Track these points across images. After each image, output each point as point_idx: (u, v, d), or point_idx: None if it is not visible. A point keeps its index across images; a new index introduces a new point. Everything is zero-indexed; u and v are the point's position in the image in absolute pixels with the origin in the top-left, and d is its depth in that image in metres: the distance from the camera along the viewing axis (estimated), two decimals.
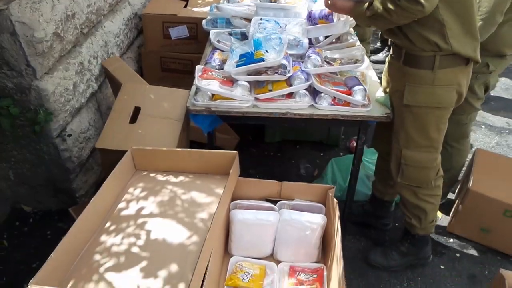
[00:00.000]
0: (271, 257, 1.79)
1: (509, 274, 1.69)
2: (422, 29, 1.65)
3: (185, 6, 3.20)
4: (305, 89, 1.92)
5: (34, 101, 2.01)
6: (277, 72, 1.90)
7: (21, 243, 2.28)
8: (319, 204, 1.78)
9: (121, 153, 1.73)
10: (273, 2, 2.47)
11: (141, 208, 1.57)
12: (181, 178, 1.72)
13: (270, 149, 3.07)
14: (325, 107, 1.90)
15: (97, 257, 1.38)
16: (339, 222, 1.59)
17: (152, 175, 1.76)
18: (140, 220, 1.51)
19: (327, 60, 2.01)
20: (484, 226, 2.29)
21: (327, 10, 2.11)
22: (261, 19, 2.30)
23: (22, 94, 2.00)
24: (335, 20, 2.11)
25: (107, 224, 1.51)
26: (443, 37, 1.64)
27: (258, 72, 1.94)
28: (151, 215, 1.53)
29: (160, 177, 1.73)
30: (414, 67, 1.75)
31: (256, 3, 2.44)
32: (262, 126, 3.09)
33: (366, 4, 1.69)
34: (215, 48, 2.32)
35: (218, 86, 1.89)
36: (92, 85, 2.43)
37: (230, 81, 1.95)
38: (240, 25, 2.49)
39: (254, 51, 1.91)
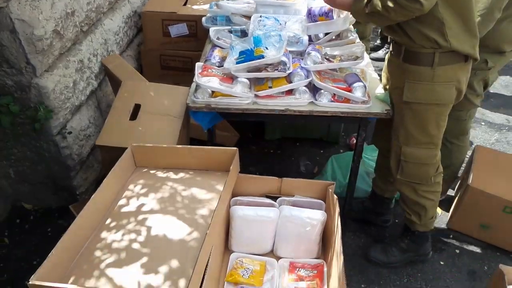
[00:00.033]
0: (271, 253, 1.79)
1: (508, 269, 1.70)
2: (421, 26, 1.65)
3: (185, 4, 3.19)
4: (305, 86, 1.92)
5: (34, 98, 2.01)
6: (277, 69, 1.90)
7: (22, 241, 2.29)
8: (319, 201, 1.79)
9: (121, 150, 1.74)
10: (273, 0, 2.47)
11: (142, 205, 1.57)
12: (181, 174, 1.73)
13: (270, 147, 3.07)
14: (325, 104, 1.90)
15: (98, 253, 1.38)
16: (339, 218, 1.59)
17: (152, 172, 1.76)
18: (140, 217, 1.51)
19: (327, 57, 2.02)
20: (483, 223, 2.29)
21: (327, 7, 2.12)
22: (260, 16, 2.30)
23: (22, 92, 2.00)
24: (335, 17, 2.11)
25: (108, 221, 1.51)
26: (442, 35, 1.64)
27: (258, 69, 1.94)
28: (151, 211, 1.54)
29: (160, 174, 1.74)
30: (413, 64, 1.75)
31: (256, 0, 2.43)
32: (262, 123, 3.10)
33: (365, 0, 1.69)
34: (215, 46, 2.32)
35: (218, 83, 1.89)
36: (92, 83, 2.44)
37: (230, 78, 1.95)
38: (240, 22, 2.49)
39: (254, 48, 1.91)
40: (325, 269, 1.68)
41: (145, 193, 1.63)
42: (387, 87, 1.98)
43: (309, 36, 2.22)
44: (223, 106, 1.90)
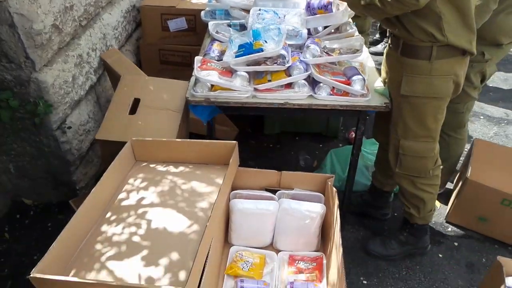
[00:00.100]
0: (271, 246, 1.80)
1: (506, 261, 1.71)
2: (419, 20, 1.66)
3: None
4: (304, 79, 1.92)
5: (34, 93, 2.01)
6: (276, 63, 1.90)
7: (22, 236, 2.30)
8: (318, 193, 1.79)
9: (121, 144, 1.74)
10: None
11: (142, 198, 1.58)
12: (181, 168, 1.73)
13: (269, 141, 3.08)
14: (324, 97, 1.91)
15: (98, 246, 1.39)
16: (338, 211, 1.60)
17: (152, 165, 1.76)
18: (140, 210, 1.52)
19: (326, 50, 2.02)
20: (482, 215, 2.31)
21: (326, 0, 2.11)
22: (259, 9, 2.30)
23: (21, 87, 2.00)
24: (334, 10, 2.11)
25: (108, 214, 1.52)
26: (439, 29, 1.64)
27: (257, 63, 1.94)
28: (151, 205, 1.54)
29: (160, 168, 1.74)
30: (411, 57, 1.76)
31: None
32: (261, 118, 3.10)
33: None
34: (214, 39, 2.31)
35: (217, 76, 1.89)
36: (91, 78, 2.44)
37: (229, 71, 1.95)
38: (239, 16, 2.49)
39: (253, 41, 1.91)
40: (324, 261, 1.69)
41: (145, 187, 1.63)
42: (386, 80, 1.99)
43: (308, 30, 2.22)
44: (223, 100, 1.90)
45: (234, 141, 1.71)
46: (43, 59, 1.97)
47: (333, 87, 1.90)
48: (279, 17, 2.25)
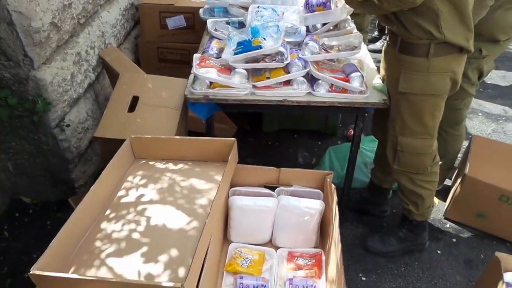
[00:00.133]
0: (270, 243, 1.81)
1: (504, 256, 1.72)
2: (417, 17, 1.66)
3: None
4: (303, 77, 1.92)
5: (32, 91, 2.01)
6: (274, 60, 1.91)
7: (21, 234, 2.30)
8: (317, 190, 1.80)
9: (120, 142, 1.74)
10: None
11: (141, 196, 1.58)
12: (180, 165, 1.73)
13: (268, 138, 3.08)
14: (322, 94, 1.91)
15: (98, 243, 1.39)
16: (337, 207, 1.60)
17: (151, 163, 1.77)
18: (140, 207, 1.52)
19: (325, 47, 2.02)
20: (480, 212, 2.31)
21: None
22: (258, 7, 2.30)
23: (20, 85, 2.00)
24: (332, 7, 2.11)
25: (107, 212, 1.52)
26: (436, 26, 1.65)
27: (255, 60, 1.94)
28: (150, 202, 1.54)
29: (159, 165, 1.74)
30: (409, 54, 1.76)
31: None
32: (260, 115, 3.10)
33: None
34: (212, 37, 2.31)
35: (216, 74, 1.89)
36: (89, 76, 2.43)
37: (228, 69, 1.95)
38: (238, 13, 2.49)
39: (252, 38, 1.91)
40: (323, 258, 1.69)
41: (144, 184, 1.64)
42: (384, 77, 1.99)
43: (307, 27, 2.23)
44: (221, 97, 1.90)
45: (233, 138, 1.71)
46: (41, 57, 1.97)
47: (332, 84, 1.90)
48: (278, 15, 2.25)
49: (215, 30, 2.36)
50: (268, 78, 1.91)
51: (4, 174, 2.36)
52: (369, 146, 2.67)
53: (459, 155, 2.55)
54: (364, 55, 2.21)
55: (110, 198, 1.59)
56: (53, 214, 2.40)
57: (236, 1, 2.54)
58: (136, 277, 1.25)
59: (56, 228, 1.32)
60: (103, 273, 1.28)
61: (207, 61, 1.95)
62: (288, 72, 1.91)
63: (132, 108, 2.04)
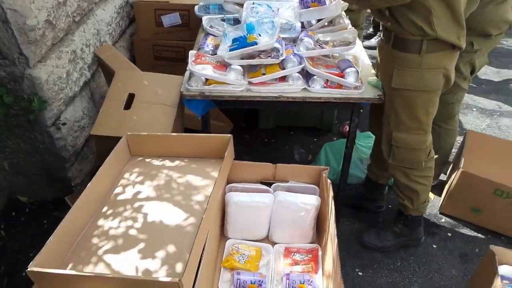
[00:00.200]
0: (267, 239, 1.81)
1: (499, 249, 1.74)
2: (410, 13, 1.67)
3: None
4: (298, 72, 1.93)
5: (28, 89, 2.01)
6: (270, 56, 1.91)
7: (18, 233, 2.30)
8: (313, 186, 1.81)
9: (116, 139, 1.74)
10: None
11: (138, 192, 1.58)
12: (176, 162, 1.74)
13: (264, 135, 3.09)
14: (318, 90, 1.92)
15: (95, 240, 1.39)
16: (332, 202, 1.61)
17: (147, 160, 1.77)
18: (136, 204, 1.52)
19: (320, 43, 2.03)
20: (475, 206, 2.33)
21: None
22: (253, 3, 2.30)
23: (15, 83, 1.99)
24: (327, 3, 2.12)
25: (104, 209, 1.52)
26: (429, 23, 1.66)
27: (251, 56, 1.95)
28: (147, 198, 1.55)
29: (155, 162, 1.75)
30: (402, 50, 1.77)
31: None
32: (256, 112, 3.11)
33: None
34: (208, 34, 2.32)
35: (212, 70, 1.90)
36: (85, 74, 2.43)
37: (224, 65, 1.95)
38: (233, 10, 2.49)
39: (247, 35, 1.92)
40: (320, 253, 1.70)
41: (140, 181, 1.64)
42: (379, 73, 2.00)
43: (302, 23, 2.23)
44: (217, 94, 1.91)
45: (229, 135, 1.71)
46: (36, 55, 1.97)
47: (327, 80, 1.91)
48: (273, 11, 2.26)
49: (211, 27, 2.36)
50: (263, 74, 1.92)
51: (0, 173, 2.35)
52: (364, 142, 2.69)
53: (453, 150, 2.57)
54: (359, 51, 2.22)
55: (107, 195, 1.59)
56: (50, 213, 2.40)
57: None
58: (134, 272, 1.26)
59: (53, 226, 1.32)
60: (101, 269, 1.28)
61: (202, 58, 1.95)
62: (284, 68, 1.92)
63: (128, 105, 2.03)
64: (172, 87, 2.08)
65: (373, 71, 2.07)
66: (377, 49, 2.02)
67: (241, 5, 2.40)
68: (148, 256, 1.31)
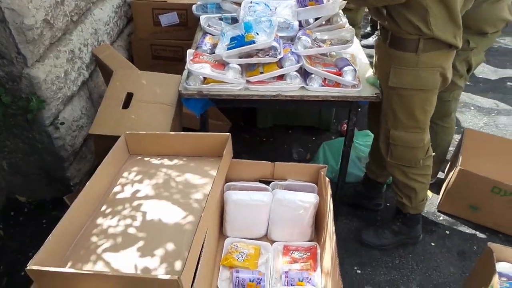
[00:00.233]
0: (265, 237, 1.82)
1: (497, 247, 1.75)
2: (407, 12, 1.68)
3: None
4: (296, 71, 1.94)
5: (26, 89, 2.01)
6: (268, 55, 1.91)
7: (17, 233, 2.29)
8: (311, 184, 1.81)
9: (115, 138, 1.74)
10: None
11: (136, 191, 1.58)
12: (175, 161, 1.74)
13: (262, 134, 3.09)
14: (315, 89, 1.92)
15: (94, 239, 1.40)
16: (331, 200, 1.62)
17: (146, 159, 1.77)
18: (135, 203, 1.53)
19: (317, 41, 2.03)
20: (473, 204, 2.34)
21: None
22: (251, 2, 2.30)
23: (13, 83, 1.99)
24: (324, 1, 2.12)
25: (103, 208, 1.53)
26: (425, 22, 1.67)
27: (249, 55, 1.95)
28: (146, 197, 1.55)
29: (154, 161, 1.75)
30: (399, 49, 1.78)
31: None
32: (254, 111, 3.11)
33: None
34: (205, 33, 2.32)
35: (210, 69, 1.90)
36: (83, 73, 2.43)
37: (222, 64, 1.96)
38: (231, 9, 2.50)
39: (245, 33, 1.92)
40: (318, 251, 1.71)
41: (139, 180, 1.64)
42: (376, 71, 2.01)
43: (299, 21, 2.23)
44: (215, 92, 1.91)
45: (228, 133, 1.72)
46: (34, 55, 1.97)
47: (325, 78, 1.92)
48: (270, 9, 2.26)
49: (209, 26, 2.36)
50: (261, 73, 1.92)
51: None
52: (362, 141, 2.69)
53: (451, 148, 2.58)
54: (356, 49, 2.23)
55: (105, 194, 1.60)
56: (49, 212, 2.40)
57: None
58: (133, 270, 1.26)
59: (51, 226, 1.32)
60: (100, 267, 1.29)
61: (200, 57, 1.96)
62: (281, 67, 1.92)
63: (126, 104, 2.03)
64: (170, 86, 2.08)
65: (370, 69, 2.07)
66: (374, 47, 2.02)
67: (239, 4, 2.40)
68: (147, 254, 1.32)
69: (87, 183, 1.51)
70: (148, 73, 2.21)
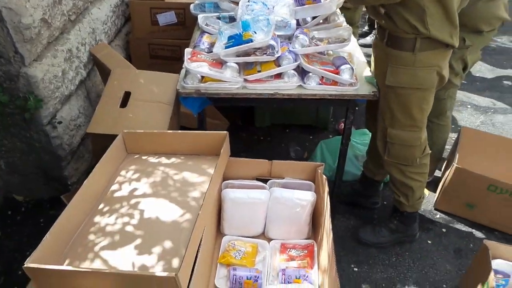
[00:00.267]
0: (263, 235, 1.83)
1: (492, 244, 1.76)
2: (404, 11, 1.69)
3: None
4: (294, 69, 1.94)
5: (23, 88, 2.01)
6: (265, 53, 1.92)
7: (14, 232, 2.29)
8: (308, 182, 1.82)
9: (112, 137, 1.75)
10: None
11: (134, 189, 1.59)
12: (172, 159, 1.75)
13: (260, 133, 3.10)
14: (313, 87, 1.92)
15: (92, 237, 1.40)
16: (328, 198, 1.63)
17: (144, 157, 1.78)
18: (133, 201, 1.53)
19: (315, 40, 2.04)
20: (469, 202, 2.35)
21: None
22: (248, 1, 2.30)
23: (11, 82, 1.99)
24: (322, 0, 2.13)
25: (101, 206, 1.53)
26: (422, 22, 1.67)
27: (247, 54, 1.95)
28: (144, 195, 1.55)
29: (151, 159, 1.76)
30: (396, 48, 1.79)
31: None
32: (252, 110, 3.12)
33: None
34: (203, 32, 2.32)
35: (208, 68, 1.90)
36: (81, 72, 2.43)
37: (219, 63, 1.96)
38: (228, 8, 2.50)
39: (243, 32, 1.92)
40: (315, 249, 1.72)
41: (137, 178, 1.65)
42: (373, 70, 2.02)
43: (297, 20, 2.24)
44: (213, 91, 1.91)
45: (225, 131, 1.72)
46: (32, 54, 1.97)
47: (322, 77, 1.92)
48: (268, 8, 2.26)
49: (206, 25, 2.37)
50: (259, 71, 1.92)
51: None
52: (360, 139, 2.70)
53: (447, 146, 2.59)
54: (354, 48, 2.24)
55: (103, 192, 1.60)
56: (46, 211, 2.40)
57: None
58: (131, 268, 1.27)
59: (49, 225, 1.33)
60: (98, 265, 1.29)
61: (198, 56, 1.96)
62: (279, 65, 1.93)
63: (124, 103, 2.04)
64: (168, 85, 2.08)
65: (368, 68, 2.08)
66: (372, 46, 2.03)
67: (237, 3, 2.40)
68: (145, 252, 1.32)
69: (85, 182, 1.52)
70: (145, 72, 2.22)
